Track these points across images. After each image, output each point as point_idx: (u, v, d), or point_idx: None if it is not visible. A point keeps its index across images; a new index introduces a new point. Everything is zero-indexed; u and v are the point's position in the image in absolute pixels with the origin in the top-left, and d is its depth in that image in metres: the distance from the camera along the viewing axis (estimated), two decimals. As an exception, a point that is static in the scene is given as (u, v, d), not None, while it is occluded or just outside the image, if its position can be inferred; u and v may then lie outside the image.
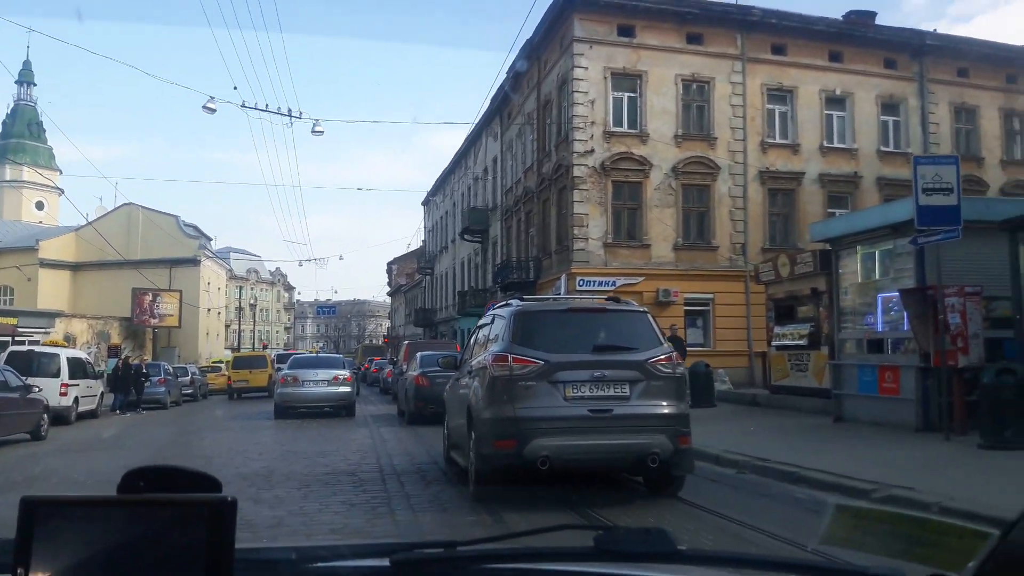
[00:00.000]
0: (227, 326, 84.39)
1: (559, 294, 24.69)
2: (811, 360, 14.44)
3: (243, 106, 19.70)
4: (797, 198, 27.36)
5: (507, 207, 33.73)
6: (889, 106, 28.64)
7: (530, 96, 30.47)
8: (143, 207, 52.87)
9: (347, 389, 19.15)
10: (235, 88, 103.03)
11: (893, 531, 1.22)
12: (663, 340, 7.30)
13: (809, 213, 27.29)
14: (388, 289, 77.86)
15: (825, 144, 27.74)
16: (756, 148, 26.88)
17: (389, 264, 74.47)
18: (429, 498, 7.50)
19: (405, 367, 19.81)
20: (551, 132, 28.03)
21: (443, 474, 8.90)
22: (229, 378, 32.34)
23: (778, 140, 27.39)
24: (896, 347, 11.59)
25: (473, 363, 7.83)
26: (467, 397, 7.48)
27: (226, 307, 77.78)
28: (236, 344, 67.27)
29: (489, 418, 6.72)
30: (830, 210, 27.61)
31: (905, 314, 11.21)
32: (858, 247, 12.26)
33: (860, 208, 27.64)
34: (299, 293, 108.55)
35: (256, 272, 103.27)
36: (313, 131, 21.55)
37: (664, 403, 6.76)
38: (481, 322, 8.78)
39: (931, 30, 29.66)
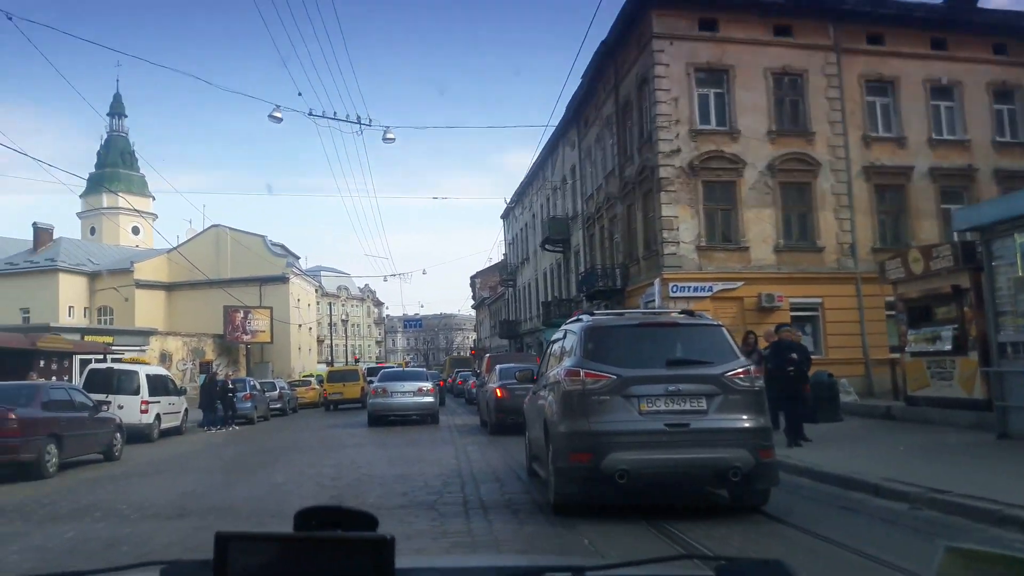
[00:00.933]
0: (320, 341, 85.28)
1: (652, 301, 22.82)
2: (957, 367, 12.24)
3: (311, 114, 18.57)
4: (907, 194, 24.80)
5: (588, 215, 31.97)
6: (1002, 94, 25.81)
7: (608, 100, 28.73)
8: (230, 228, 53.13)
9: (430, 400, 20.54)
10: (300, 94, 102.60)
11: (1007, 573, 1.11)
12: (739, 354, 6.97)
13: (921, 210, 24.82)
14: (472, 302, 76.85)
15: (934, 136, 25.12)
16: (858, 143, 24.48)
17: (472, 278, 73.58)
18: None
19: (487, 379, 20.11)
20: (632, 134, 26.22)
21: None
22: (325, 391, 32.68)
23: (881, 134, 24.92)
24: (1079, 350, 9.36)
25: (549, 377, 7.71)
26: (543, 410, 7.43)
27: (318, 323, 78.50)
28: (329, 358, 67.37)
29: (564, 432, 6.61)
30: (943, 206, 24.99)
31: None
32: (1015, 234, 10.04)
33: (978, 201, 24.96)
34: (387, 308, 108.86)
35: (346, 289, 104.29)
36: (384, 139, 20.45)
37: (744, 417, 6.55)
38: (555, 336, 8.61)
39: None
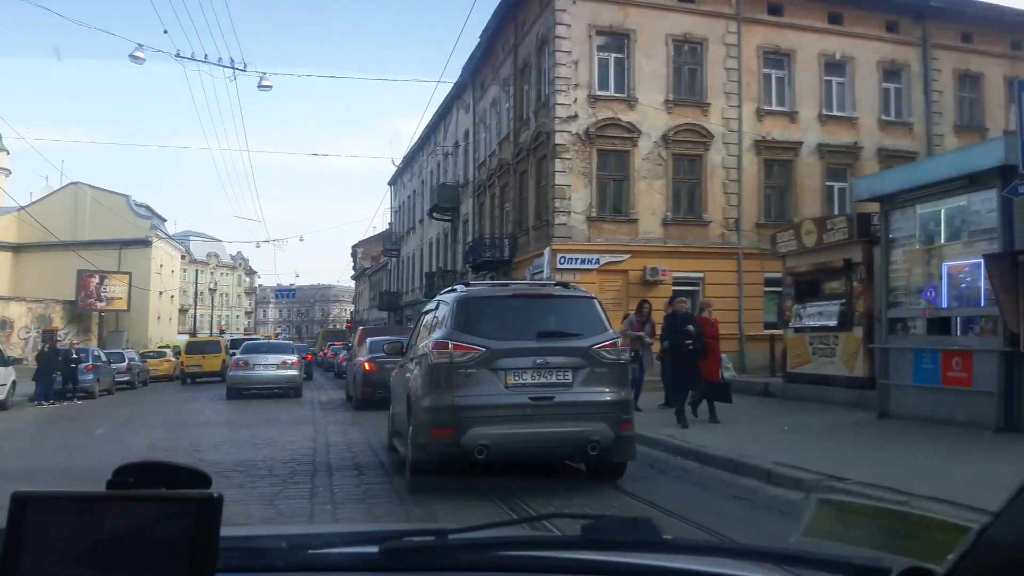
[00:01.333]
0: (184, 311, 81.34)
1: (540, 272, 22.43)
2: (840, 343, 12.29)
3: (178, 56, 17.00)
4: (794, 170, 25.29)
5: (480, 182, 31.31)
6: (890, 72, 26.63)
7: (506, 60, 28.02)
8: (91, 186, 49.58)
9: (294, 373, 20.57)
10: (165, 32, 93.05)
11: (875, 524, 1.19)
12: (608, 326, 7.05)
13: (807, 186, 25.39)
14: (353, 273, 75.04)
15: (824, 112, 25.66)
16: (752, 116, 24.73)
17: (354, 247, 71.66)
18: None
19: (357, 352, 19.85)
20: (530, 98, 25.64)
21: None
22: (183, 363, 30.99)
23: (775, 107, 25.25)
24: (968, 327, 9.43)
25: (417, 349, 7.65)
26: (408, 384, 7.41)
27: (183, 291, 74.66)
28: (192, 329, 64.31)
29: (427, 406, 6.57)
30: (828, 183, 25.73)
31: (982, 288, 9.07)
32: (917, 205, 10.05)
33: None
34: (260, 278, 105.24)
35: (216, 256, 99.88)
36: (260, 86, 18.97)
37: (606, 390, 6.67)
38: (427, 307, 8.54)
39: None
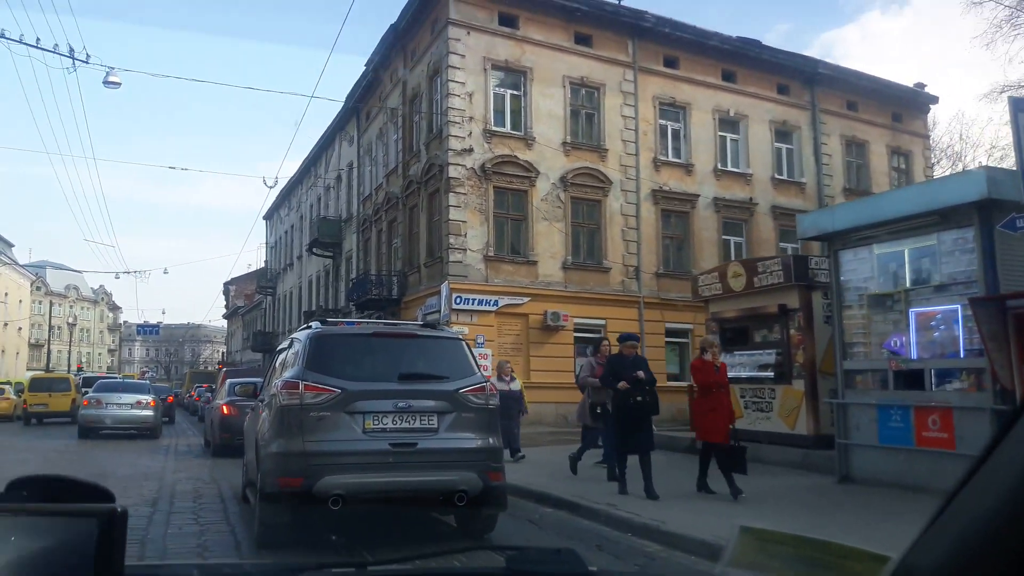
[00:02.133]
0: (39, 346, 74.04)
1: (437, 311, 20.43)
2: (777, 397, 10.89)
3: (2, 37, 14.16)
4: (692, 221, 24.51)
5: (365, 217, 29.11)
6: (782, 133, 26.58)
7: (395, 90, 26.21)
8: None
9: (149, 413, 19.61)
10: None
11: (795, 554, 1.16)
12: (477, 369, 6.54)
13: (704, 239, 24.66)
14: (225, 312, 70.27)
15: (719, 167, 25.16)
16: (649, 164, 23.86)
17: (226, 284, 66.95)
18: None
19: (216, 395, 18.61)
20: (420, 129, 23.87)
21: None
22: (25, 402, 27.32)
23: (671, 158, 24.53)
24: (944, 381, 8.10)
25: (269, 390, 6.87)
26: (257, 429, 6.76)
27: (36, 325, 67.93)
28: (46, 366, 58.08)
29: (275, 452, 5.91)
30: (724, 236, 25.11)
31: (960, 336, 7.80)
32: (874, 245, 8.78)
33: (754, 237, 25.32)
34: (124, 314, 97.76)
35: (76, 288, 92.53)
36: (106, 82, 16.05)
37: (474, 436, 6.17)
38: (280, 346, 7.90)
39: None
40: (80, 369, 55.82)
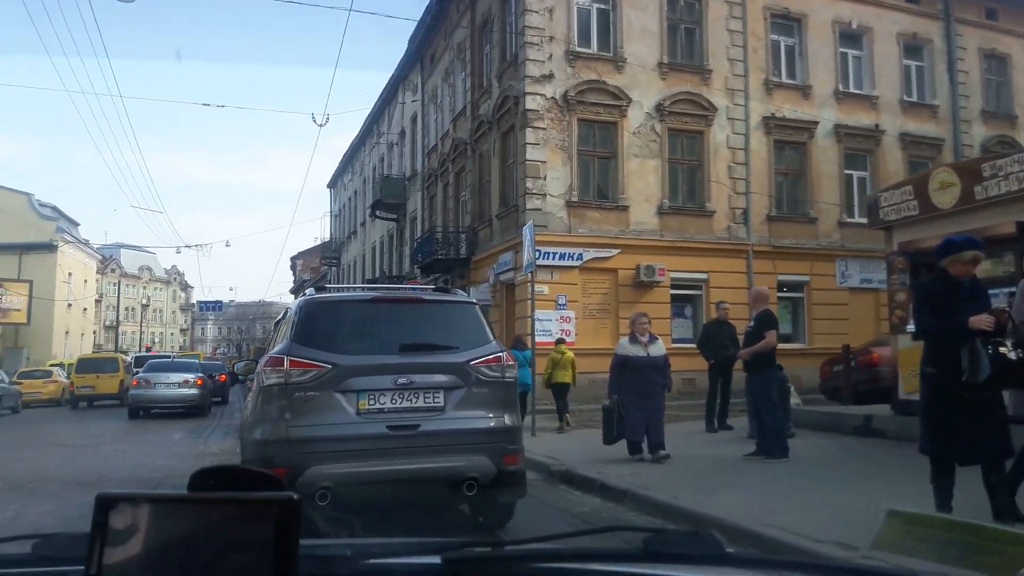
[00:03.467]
0: (112, 327, 74.09)
1: (508, 271, 17.48)
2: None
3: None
4: (809, 154, 20.79)
5: (430, 171, 26.18)
6: (912, 48, 22.42)
7: (461, 21, 23.05)
8: (-15, 182, 43.15)
9: (195, 392, 19.68)
10: None
11: (946, 537, 1.14)
12: (493, 337, 5.64)
13: (823, 174, 20.95)
14: (292, 287, 68.98)
15: (840, 89, 21.26)
16: (759, 87, 20.21)
17: (293, 259, 65.72)
18: None
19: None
20: (492, 59, 20.72)
21: None
22: (72, 384, 25.58)
23: (785, 80, 20.77)
24: None
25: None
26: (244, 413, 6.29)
27: (112, 307, 67.77)
28: (116, 347, 57.63)
29: (257, 439, 5.13)
30: (847, 171, 21.31)
31: None
32: None
33: (880, 171, 21.47)
34: (196, 292, 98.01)
35: (150, 270, 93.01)
36: None
37: (487, 415, 5.33)
38: (279, 318, 7.05)
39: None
40: (148, 350, 55.06)
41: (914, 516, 1.19)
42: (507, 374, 5.51)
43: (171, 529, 0.93)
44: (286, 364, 5.05)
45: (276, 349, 5.45)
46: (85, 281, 49.89)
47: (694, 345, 18.92)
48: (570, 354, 13.28)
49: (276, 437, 4.99)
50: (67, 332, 45.61)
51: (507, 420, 5.42)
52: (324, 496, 4.77)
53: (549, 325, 17.15)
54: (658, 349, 8.44)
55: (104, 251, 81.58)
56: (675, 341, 18.59)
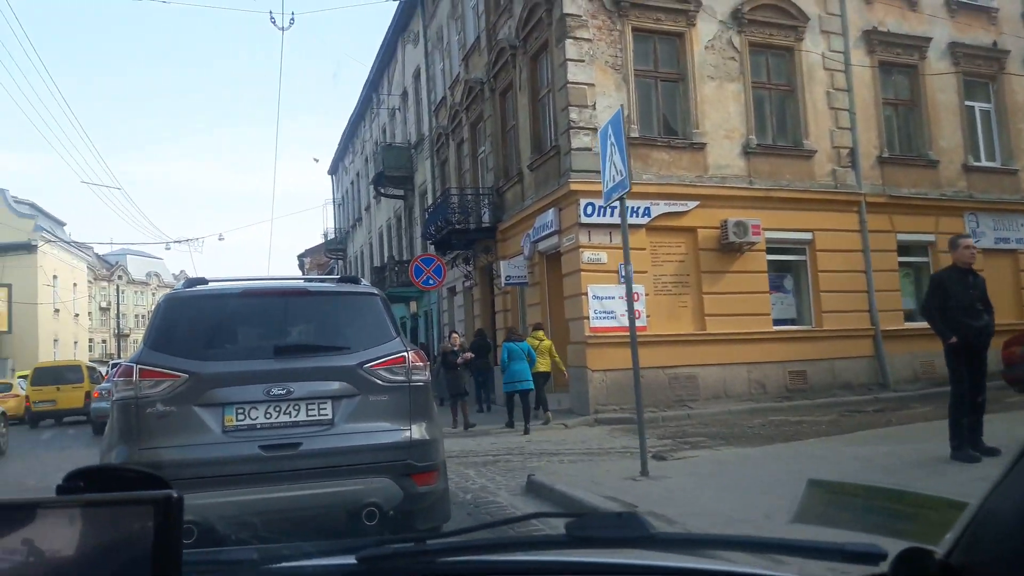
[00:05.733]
0: (125, 335, 70.11)
1: (551, 233, 12.75)
2: None
3: None
4: (920, 79, 15.92)
5: (439, 131, 21.37)
6: (1035, -54, 17.46)
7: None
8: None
9: None
10: None
11: (868, 505, 1.13)
12: (396, 333, 4.60)
13: (939, 104, 16.08)
14: (301, 286, 64.42)
15: (954, -4, 16.37)
16: (858, -8, 15.32)
17: (300, 257, 61.09)
18: None
19: None
20: (513, -28, 15.89)
21: None
22: (27, 398, 21.65)
23: (887, -16, 15.84)
24: None
25: None
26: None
27: (120, 313, 63.88)
28: (117, 353, 53.48)
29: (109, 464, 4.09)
30: (967, 103, 16.42)
31: None
32: None
33: (1007, 102, 16.61)
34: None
35: (157, 275, 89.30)
36: None
37: (387, 426, 4.35)
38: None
39: None
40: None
41: (835, 485, 1.19)
42: (415, 377, 4.51)
43: (43, 535, 0.86)
44: (135, 375, 4.18)
45: (131, 357, 4.47)
46: (75, 284, 45.42)
47: (799, 328, 14.31)
48: (548, 341, 12.08)
49: (127, 461, 4.06)
50: (56, 340, 41.15)
51: (415, 432, 4.40)
52: (189, 533, 3.53)
53: (611, 304, 12.40)
54: None
55: (111, 257, 77.61)
56: (776, 323, 13.84)
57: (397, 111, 26.79)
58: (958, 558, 0.85)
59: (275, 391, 4.19)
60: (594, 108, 12.84)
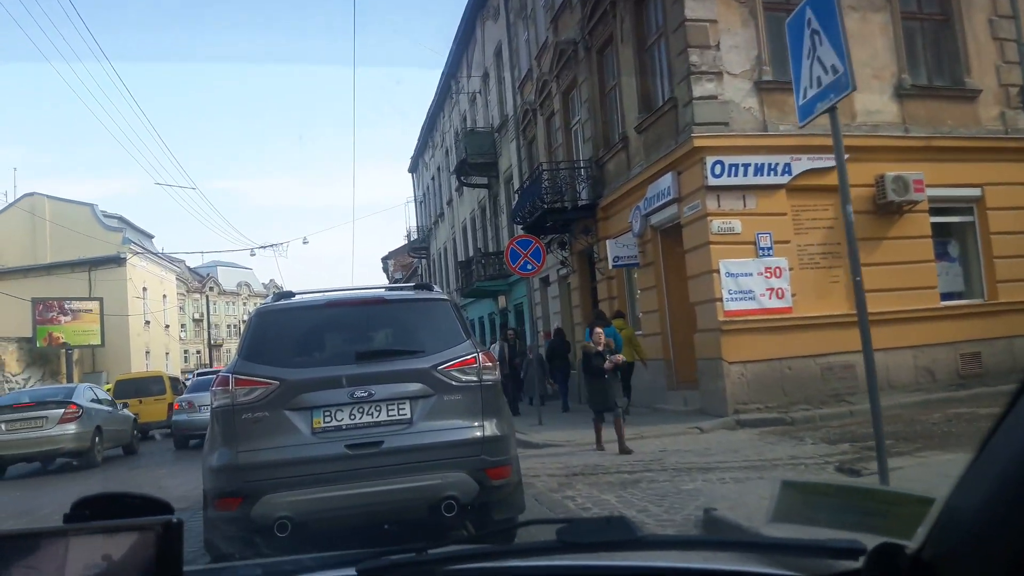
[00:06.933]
0: (218, 345, 71.12)
1: (671, 201, 10.70)
2: None
3: None
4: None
5: (525, 107, 19.53)
6: None
7: None
8: (49, 196, 39.11)
9: None
10: None
11: (841, 504, 1.13)
12: (466, 335, 4.94)
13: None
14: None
15: None
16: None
17: (384, 259, 60.51)
18: None
19: None
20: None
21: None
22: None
23: None
24: None
25: None
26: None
27: (212, 324, 64.71)
28: (209, 364, 53.70)
29: (209, 468, 4.59)
30: None
31: None
32: None
33: None
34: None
35: (248, 286, 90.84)
36: None
37: (462, 424, 4.61)
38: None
39: None
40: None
41: (808, 485, 1.20)
42: (485, 377, 4.78)
43: (50, 564, 0.87)
44: (231, 384, 4.55)
45: (226, 368, 4.98)
46: (164, 296, 45.53)
47: (969, 302, 11.89)
48: (629, 329, 11.46)
49: (227, 464, 4.45)
50: (147, 351, 41.18)
51: (488, 429, 4.66)
52: (284, 527, 4.27)
53: (749, 283, 10.29)
54: None
55: (202, 269, 79.06)
56: (943, 297, 11.47)
57: (478, 95, 25.09)
58: (929, 552, 0.87)
59: (358, 394, 4.48)
60: (718, 48, 10.74)
